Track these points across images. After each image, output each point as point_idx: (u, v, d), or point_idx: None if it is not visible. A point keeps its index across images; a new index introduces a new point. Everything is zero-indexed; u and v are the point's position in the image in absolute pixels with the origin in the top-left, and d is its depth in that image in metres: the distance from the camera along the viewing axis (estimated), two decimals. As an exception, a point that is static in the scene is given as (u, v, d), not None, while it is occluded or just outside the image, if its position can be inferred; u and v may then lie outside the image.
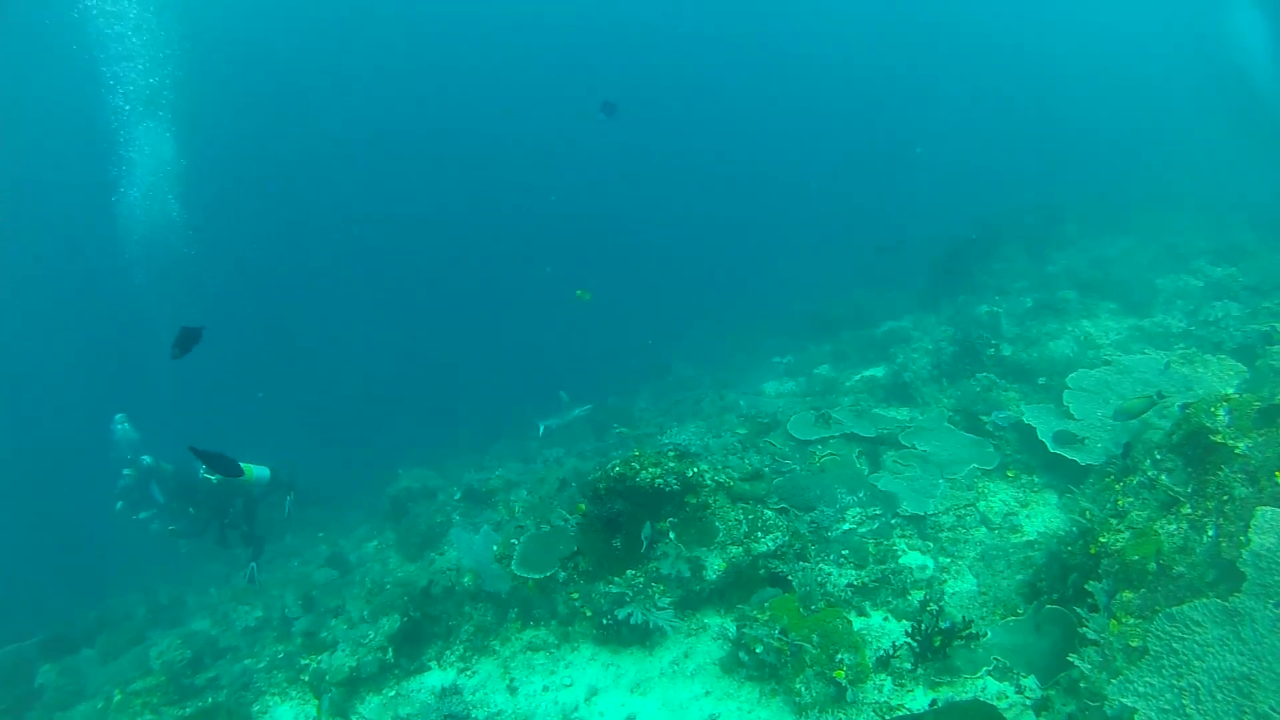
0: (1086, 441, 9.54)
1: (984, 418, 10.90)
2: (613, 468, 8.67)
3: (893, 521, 9.57)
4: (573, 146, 47.39)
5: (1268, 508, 5.39)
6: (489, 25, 47.35)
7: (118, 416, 12.76)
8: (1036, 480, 9.87)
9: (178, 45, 20.50)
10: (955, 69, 49.08)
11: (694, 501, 8.63)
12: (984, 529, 9.23)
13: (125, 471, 11.79)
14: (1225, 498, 5.92)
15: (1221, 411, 6.58)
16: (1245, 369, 10.79)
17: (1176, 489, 6.40)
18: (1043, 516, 9.24)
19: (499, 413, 22.34)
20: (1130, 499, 6.72)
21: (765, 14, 51.98)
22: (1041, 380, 11.86)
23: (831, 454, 10.97)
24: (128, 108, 20.59)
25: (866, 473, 10.57)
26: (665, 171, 48.90)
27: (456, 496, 15.93)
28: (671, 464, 8.62)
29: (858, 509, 9.76)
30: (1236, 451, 6.16)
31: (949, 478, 10.03)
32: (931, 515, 9.47)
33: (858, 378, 15.25)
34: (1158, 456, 6.91)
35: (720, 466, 9.17)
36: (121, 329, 32.24)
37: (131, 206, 21.52)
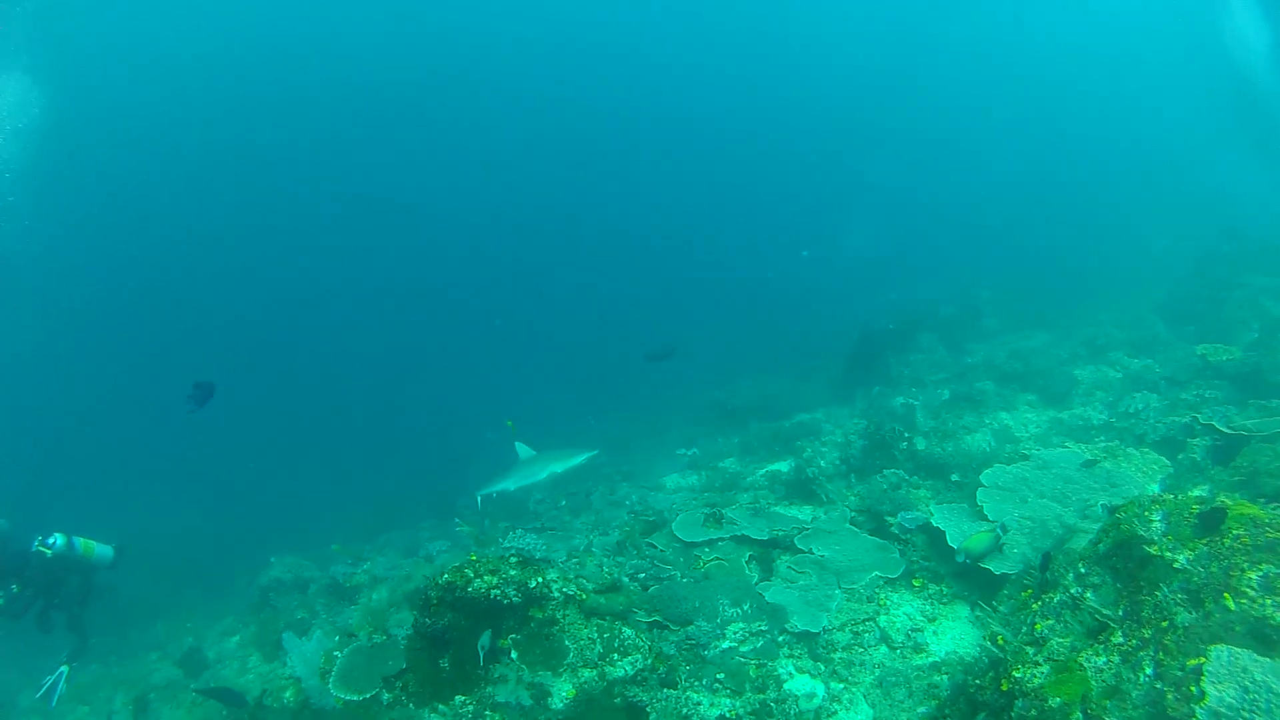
0: (1003, 546, 8.36)
1: (890, 519, 9.68)
2: (442, 574, 7.25)
3: (780, 639, 8.21)
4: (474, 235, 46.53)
5: (1222, 646, 4.18)
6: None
7: None
8: (946, 590, 8.62)
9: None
10: (874, 153, 49.35)
11: (539, 616, 7.22)
12: (884, 648, 7.95)
13: None
14: (1165, 624, 4.73)
15: (1156, 516, 5.43)
16: (1169, 463, 9.89)
17: (1105, 611, 5.18)
18: (952, 633, 8.00)
19: (406, 490, 20.44)
20: (1050, 621, 5.49)
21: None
22: (955, 477, 10.74)
23: (718, 559, 9.64)
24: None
25: (756, 581, 9.22)
26: (586, 243, 47.96)
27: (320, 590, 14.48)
28: (512, 572, 7.23)
29: (741, 624, 8.37)
30: (1175, 566, 4.99)
31: (847, 587, 8.74)
32: (825, 632, 8.15)
33: (762, 472, 14.04)
34: (1082, 570, 5.71)
35: (573, 576, 7.76)
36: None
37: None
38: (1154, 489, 9.40)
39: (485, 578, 7.11)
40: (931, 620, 8.23)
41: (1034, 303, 21.47)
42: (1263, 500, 7.25)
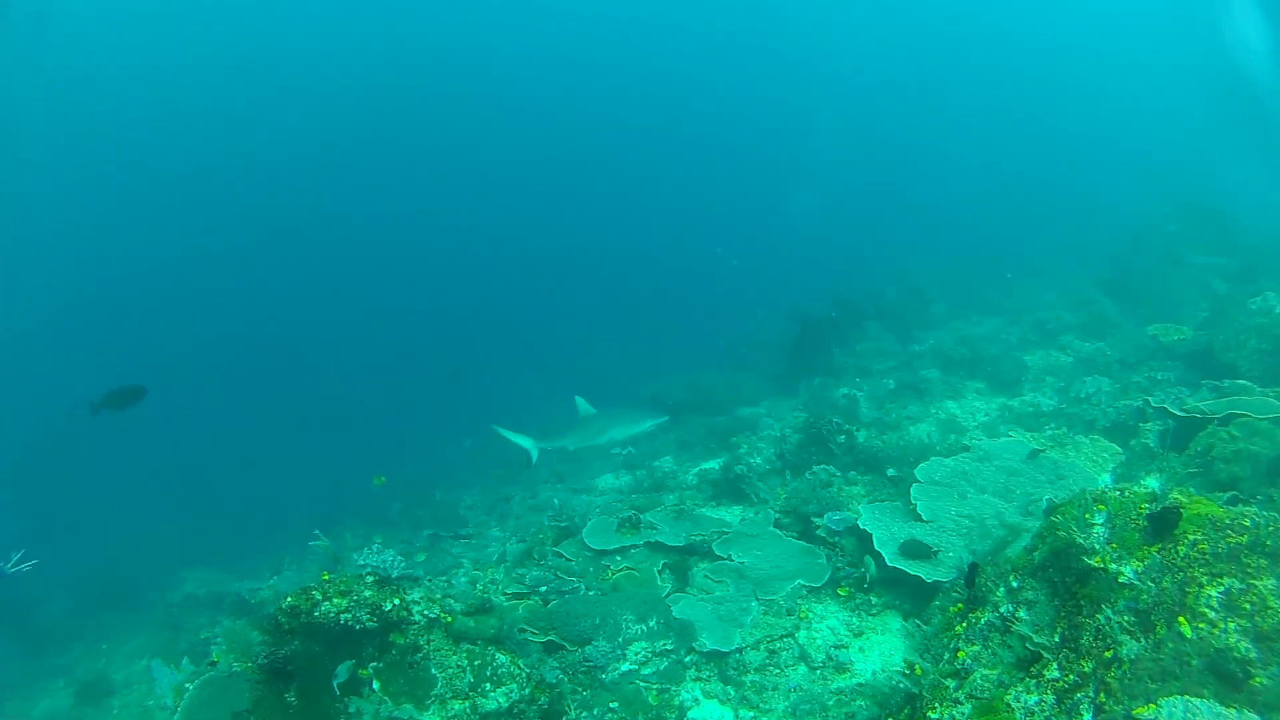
0: (937, 550, 7.49)
1: (817, 520, 8.77)
2: (285, 598, 6.24)
3: (687, 659, 7.29)
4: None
5: (1176, 698, 3.28)
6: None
7: None
8: (874, 600, 7.71)
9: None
10: (815, 139, 48.63)
11: (401, 642, 6.24)
12: (803, 667, 7.05)
13: None
14: (1108, 654, 3.85)
15: (1098, 519, 4.55)
16: (1120, 450, 9.25)
17: (1037, 639, 4.27)
18: (880, 649, 7.11)
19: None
20: (975, 647, 4.59)
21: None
22: (891, 471, 9.85)
23: (629, 568, 8.68)
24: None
25: (667, 592, 8.27)
26: (528, 232, 46.87)
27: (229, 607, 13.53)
28: (366, 593, 6.23)
29: (644, 643, 7.43)
30: (1121, 580, 4.10)
31: (766, 598, 7.82)
32: (736, 650, 7.21)
33: (695, 471, 13.12)
34: (1014, 583, 4.82)
35: (439, 596, 6.77)
36: None
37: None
38: (1105, 479, 8.65)
39: (335, 600, 6.12)
40: (857, 634, 7.34)
41: (984, 287, 20.81)
42: (1219, 492, 6.46)
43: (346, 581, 6.32)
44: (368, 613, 6.12)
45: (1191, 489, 4.86)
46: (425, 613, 6.41)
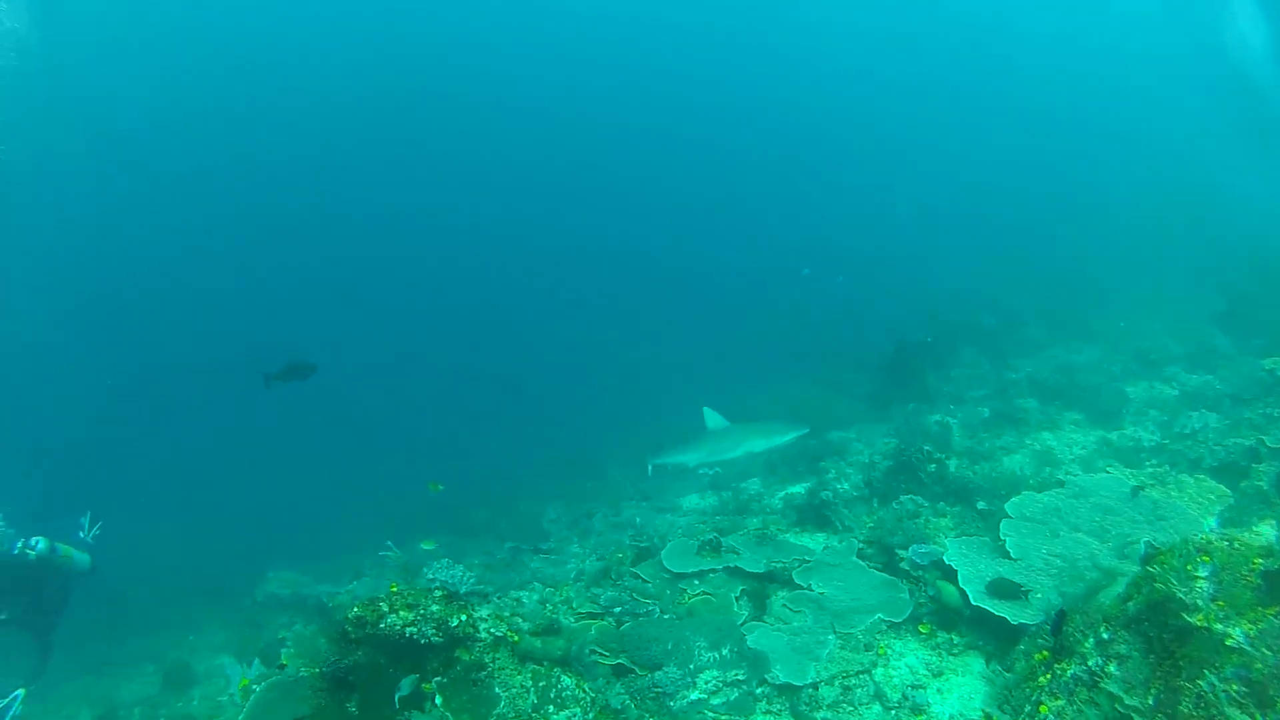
0: (1028, 590, 7.14)
1: (901, 552, 8.46)
2: (352, 608, 6.25)
3: (758, 691, 7.06)
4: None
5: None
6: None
7: None
8: (956, 639, 7.36)
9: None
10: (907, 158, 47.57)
11: (466, 659, 6.19)
12: (877, 706, 6.75)
13: None
14: (1209, 724, 3.54)
15: (1202, 571, 4.22)
16: (1229, 492, 8.61)
17: (1129, 699, 3.97)
18: (959, 691, 6.75)
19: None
20: (1059, 702, 4.31)
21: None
22: (981, 504, 9.46)
23: (705, 593, 8.48)
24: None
25: (744, 619, 8.07)
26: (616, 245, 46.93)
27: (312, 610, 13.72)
28: (434, 608, 6.18)
29: (716, 671, 7.23)
30: (1229, 643, 3.78)
31: (843, 631, 7.54)
32: (810, 684, 6.96)
33: (783, 494, 12.91)
34: (1105, 635, 4.51)
35: (507, 614, 6.70)
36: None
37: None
38: (1210, 523, 8.13)
39: (401, 613, 6.09)
40: (937, 675, 7.01)
41: (1080, 311, 19.98)
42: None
43: (414, 594, 6.29)
44: (433, 627, 6.07)
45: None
46: (492, 630, 6.34)
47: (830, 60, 54.85)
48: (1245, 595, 3.96)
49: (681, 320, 33.42)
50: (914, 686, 6.87)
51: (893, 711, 6.66)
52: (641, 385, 24.37)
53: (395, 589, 6.33)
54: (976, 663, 7.07)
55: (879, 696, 6.84)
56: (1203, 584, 4.15)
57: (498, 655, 6.30)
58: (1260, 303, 15.63)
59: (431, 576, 6.56)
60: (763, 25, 51.94)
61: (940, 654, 7.27)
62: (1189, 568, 4.26)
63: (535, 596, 8.43)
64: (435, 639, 6.06)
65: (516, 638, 6.48)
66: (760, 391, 18.50)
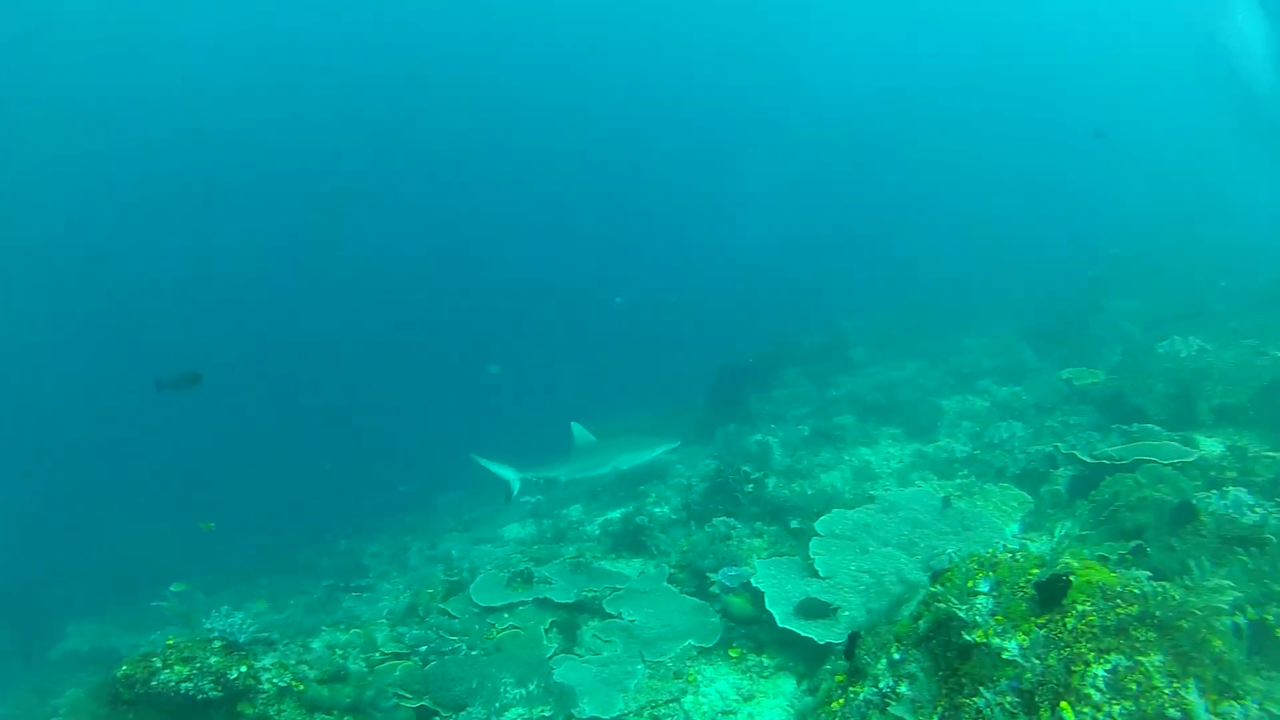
0: (837, 608, 7.00)
1: (712, 575, 8.25)
2: (121, 665, 5.58)
3: (565, 728, 6.68)
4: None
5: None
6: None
7: None
8: (767, 661, 7.24)
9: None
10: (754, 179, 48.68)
11: (250, 713, 5.62)
12: (688, 737, 6.47)
13: None
14: (986, 743, 3.35)
15: (982, 586, 4.09)
16: (1029, 498, 9.03)
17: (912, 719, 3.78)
18: (770, 715, 6.59)
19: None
20: (851, 728, 4.08)
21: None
22: (794, 523, 9.40)
23: (514, 627, 8.10)
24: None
25: (553, 652, 7.67)
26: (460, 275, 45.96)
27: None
28: (212, 660, 5.62)
29: (522, 708, 6.87)
30: (1005, 657, 3.65)
31: (653, 660, 7.30)
32: (618, 717, 6.65)
33: (601, 520, 12.56)
34: (896, 655, 4.36)
35: (293, 662, 6.11)
36: None
37: None
38: (1012, 528, 8.38)
39: (176, 668, 5.55)
40: (748, 699, 6.82)
41: (906, 332, 20.69)
42: (1125, 540, 6.09)
43: (192, 646, 5.75)
44: (211, 681, 5.56)
45: (1083, 551, 4.42)
46: (275, 680, 5.82)
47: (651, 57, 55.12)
48: (1021, 607, 3.89)
49: (511, 347, 32.95)
50: (724, 713, 6.71)
51: (703, 740, 6.38)
52: (461, 417, 23.93)
53: (172, 641, 5.73)
54: (788, 684, 6.93)
55: (689, 725, 6.55)
56: (983, 599, 4.06)
57: (283, 707, 5.82)
58: (1061, 318, 16.53)
59: (209, 625, 5.93)
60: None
61: (751, 677, 7.11)
62: (970, 584, 4.18)
63: (327, 640, 7.81)
64: (214, 694, 5.53)
65: (302, 687, 5.92)
66: (599, 421, 18.23)
